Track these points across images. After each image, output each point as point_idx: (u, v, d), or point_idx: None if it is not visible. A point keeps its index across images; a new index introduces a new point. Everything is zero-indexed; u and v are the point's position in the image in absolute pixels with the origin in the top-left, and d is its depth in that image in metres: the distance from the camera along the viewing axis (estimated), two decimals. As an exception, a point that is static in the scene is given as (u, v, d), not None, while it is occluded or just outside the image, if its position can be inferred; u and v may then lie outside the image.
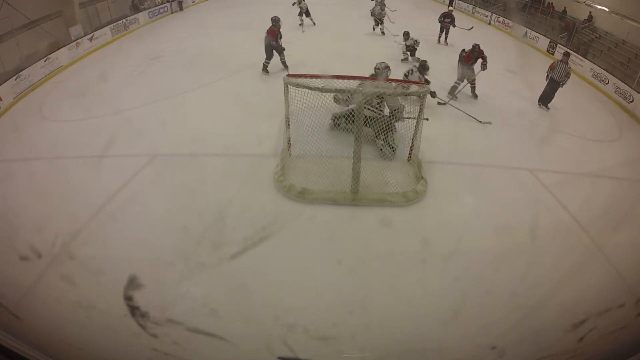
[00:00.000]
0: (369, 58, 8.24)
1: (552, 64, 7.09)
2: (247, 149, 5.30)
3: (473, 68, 7.17)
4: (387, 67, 5.96)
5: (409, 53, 9.12)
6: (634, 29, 10.07)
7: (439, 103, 6.82)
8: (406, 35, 9.25)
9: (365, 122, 4.91)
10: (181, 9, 14.59)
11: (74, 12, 10.63)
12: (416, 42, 9.05)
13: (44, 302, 3.03)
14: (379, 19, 10.98)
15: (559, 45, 10.74)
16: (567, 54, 7.09)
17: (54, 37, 9.76)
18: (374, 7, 11.18)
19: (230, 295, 3.16)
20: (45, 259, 3.43)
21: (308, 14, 11.37)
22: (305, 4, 11.32)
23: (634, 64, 9.43)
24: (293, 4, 11.40)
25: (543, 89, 7.10)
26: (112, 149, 5.27)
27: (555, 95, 7.02)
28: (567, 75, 6.85)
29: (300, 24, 11.18)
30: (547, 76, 7.03)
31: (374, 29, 11.14)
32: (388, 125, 5.07)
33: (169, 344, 2.07)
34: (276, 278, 3.40)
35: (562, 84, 6.91)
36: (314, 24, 11.39)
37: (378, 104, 5.27)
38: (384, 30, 10.85)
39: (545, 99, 7.11)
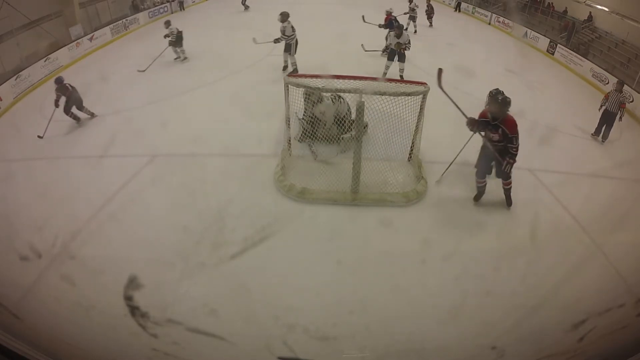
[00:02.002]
0: (370, 57, 8.27)
1: (606, 93, 6.48)
2: (247, 149, 5.31)
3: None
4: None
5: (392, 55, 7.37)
6: (634, 29, 10.07)
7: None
8: (401, 29, 7.45)
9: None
10: (182, 8, 14.60)
11: (74, 12, 10.64)
12: (409, 43, 7.40)
13: (44, 302, 3.03)
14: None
15: (559, 45, 10.75)
16: (621, 83, 6.46)
17: (54, 37, 9.77)
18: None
19: (230, 295, 3.16)
20: (45, 259, 3.43)
21: (178, 43, 8.53)
22: (175, 29, 8.46)
23: (634, 64, 9.43)
24: (165, 36, 8.57)
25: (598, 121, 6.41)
26: (112, 149, 5.28)
27: (611, 126, 6.29)
28: (622, 105, 6.23)
29: (176, 58, 8.73)
30: (600, 107, 6.35)
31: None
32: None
33: (169, 344, 2.07)
34: (276, 278, 3.40)
35: (620, 116, 6.23)
36: (183, 57, 8.79)
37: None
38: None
39: (598, 131, 6.39)
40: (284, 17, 7.25)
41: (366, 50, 8.73)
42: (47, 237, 3.69)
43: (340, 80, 4.62)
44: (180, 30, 8.52)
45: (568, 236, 4.10)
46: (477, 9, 14.81)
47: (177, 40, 8.48)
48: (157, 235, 3.82)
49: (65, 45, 9.51)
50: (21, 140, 6.03)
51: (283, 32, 7.27)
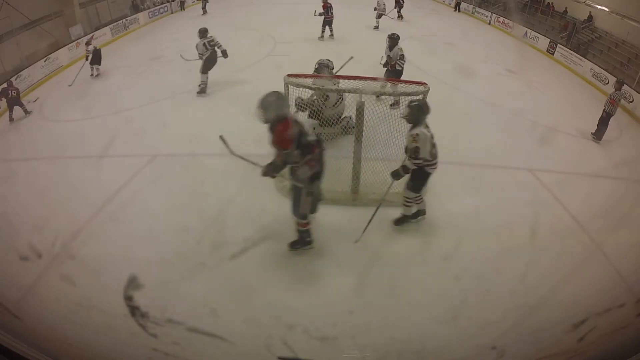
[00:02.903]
0: (370, 58, 8.26)
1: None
2: (247, 149, 5.29)
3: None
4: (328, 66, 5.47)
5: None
6: (634, 29, 10.08)
7: None
8: (394, 40, 6.20)
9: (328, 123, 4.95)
10: (182, 8, 14.61)
11: (74, 12, 10.66)
12: (401, 59, 6.12)
13: (44, 302, 3.03)
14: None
15: (559, 45, 10.75)
16: (620, 82, 6.51)
17: (54, 37, 9.78)
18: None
19: (230, 295, 3.16)
20: (45, 259, 3.43)
21: (96, 61, 8.29)
22: (92, 48, 8.22)
23: (634, 64, 9.43)
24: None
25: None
26: (112, 149, 5.27)
27: (606, 126, 6.28)
28: (611, 101, 6.25)
29: (92, 74, 8.42)
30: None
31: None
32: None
33: (169, 344, 2.07)
34: (276, 278, 3.40)
35: (604, 110, 6.27)
36: (96, 74, 8.46)
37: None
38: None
39: (598, 130, 6.38)
40: (200, 34, 6.87)
41: (316, 15, 9.71)
42: (47, 237, 3.69)
43: (340, 80, 4.62)
44: (98, 48, 8.43)
45: (568, 236, 4.10)
46: (477, 9, 14.81)
47: (94, 57, 8.29)
48: (157, 235, 3.82)
49: (65, 45, 9.52)
50: (21, 140, 6.04)
51: (196, 48, 6.92)
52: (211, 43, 6.83)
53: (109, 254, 3.56)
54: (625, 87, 8.02)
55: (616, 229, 4.05)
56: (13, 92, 6.86)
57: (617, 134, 6.79)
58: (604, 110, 6.33)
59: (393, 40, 6.22)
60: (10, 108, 6.84)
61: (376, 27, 11.51)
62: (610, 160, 5.71)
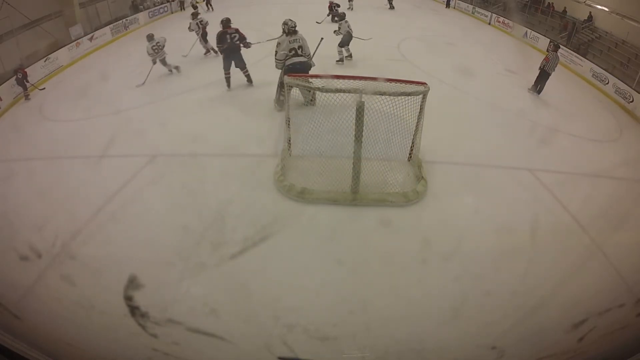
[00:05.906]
0: (369, 58, 8.29)
1: (546, 56, 7.75)
2: (247, 149, 5.30)
3: None
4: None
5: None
6: (634, 29, 10.07)
7: None
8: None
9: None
10: (182, 8, 14.59)
11: (74, 12, 10.64)
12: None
13: (44, 302, 3.03)
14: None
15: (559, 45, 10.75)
16: (556, 45, 7.91)
17: (54, 37, 9.77)
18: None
19: (230, 295, 3.16)
20: (45, 259, 3.43)
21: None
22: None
23: (634, 64, 9.43)
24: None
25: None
26: (112, 149, 5.27)
27: (543, 81, 7.57)
28: (545, 59, 7.53)
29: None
30: (541, 67, 7.65)
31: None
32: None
33: (169, 344, 2.07)
34: (276, 278, 3.40)
35: (540, 67, 7.57)
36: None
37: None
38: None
39: (534, 87, 7.75)
40: (222, 24, 6.97)
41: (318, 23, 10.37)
42: (47, 237, 3.69)
43: (340, 80, 4.61)
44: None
45: (568, 236, 4.10)
46: (477, 9, 14.80)
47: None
48: (157, 235, 3.82)
49: (65, 45, 9.51)
50: (21, 140, 6.03)
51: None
52: (233, 35, 7.00)
53: (109, 254, 3.56)
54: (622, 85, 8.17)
55: (616, 229, 4.05)
56: (19, 74, 7.54)
57: (617, 134, 6.79)
58: (545, 70, 7.48)
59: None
60: (22, 87, 7.67)
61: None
62: (610, 160, 5.71)
